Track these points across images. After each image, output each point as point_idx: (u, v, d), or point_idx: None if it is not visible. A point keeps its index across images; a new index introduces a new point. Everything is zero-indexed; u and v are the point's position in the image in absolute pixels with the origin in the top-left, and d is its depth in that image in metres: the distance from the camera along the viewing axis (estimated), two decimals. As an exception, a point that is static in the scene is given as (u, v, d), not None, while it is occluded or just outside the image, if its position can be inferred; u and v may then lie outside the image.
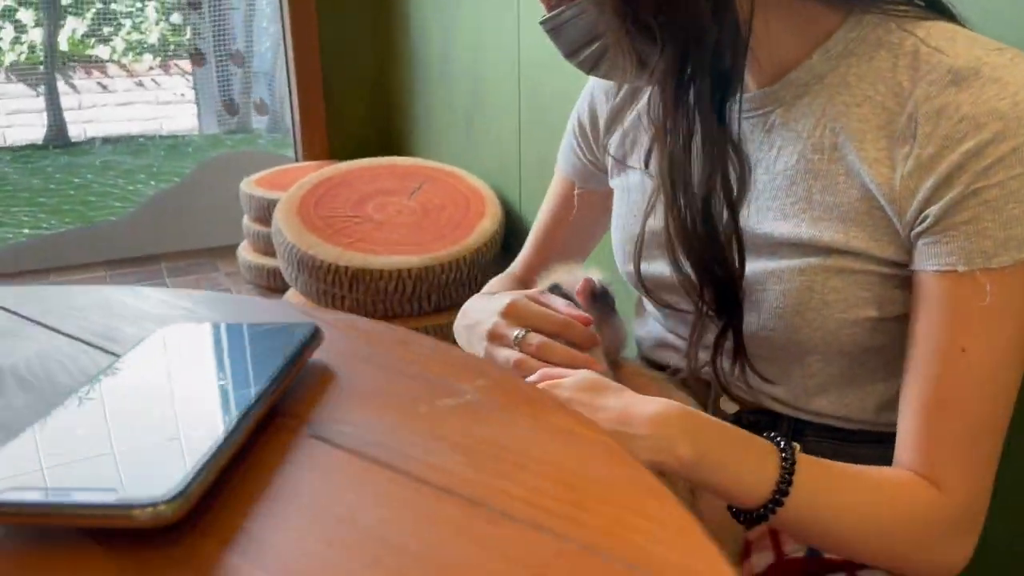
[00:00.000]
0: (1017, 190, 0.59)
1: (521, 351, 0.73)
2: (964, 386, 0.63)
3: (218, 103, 4.90)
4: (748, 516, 0.64)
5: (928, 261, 0.63)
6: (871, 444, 0.76)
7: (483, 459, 0.39)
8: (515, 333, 0.74)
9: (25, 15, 5.40)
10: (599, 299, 0.79)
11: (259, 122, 5.10)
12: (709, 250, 0.69)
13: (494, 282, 1.01)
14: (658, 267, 0.78)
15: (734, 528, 0.70)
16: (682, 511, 0.36)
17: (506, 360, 0.73)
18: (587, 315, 0.76)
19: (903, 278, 0.67)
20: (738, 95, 0.66)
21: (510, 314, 0.75)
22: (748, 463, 0.63)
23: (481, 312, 0.79)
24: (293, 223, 1.73)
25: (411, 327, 0.87)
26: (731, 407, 0.80)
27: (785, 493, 0.62)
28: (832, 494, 0.64)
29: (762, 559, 0.75)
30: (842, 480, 0.65)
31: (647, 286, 0.80)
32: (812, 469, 0.64)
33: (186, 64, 5.73)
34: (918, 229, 0.64)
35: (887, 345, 0.71)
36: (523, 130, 1.75)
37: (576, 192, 0.93)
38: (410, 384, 0.48)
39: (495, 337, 0.75)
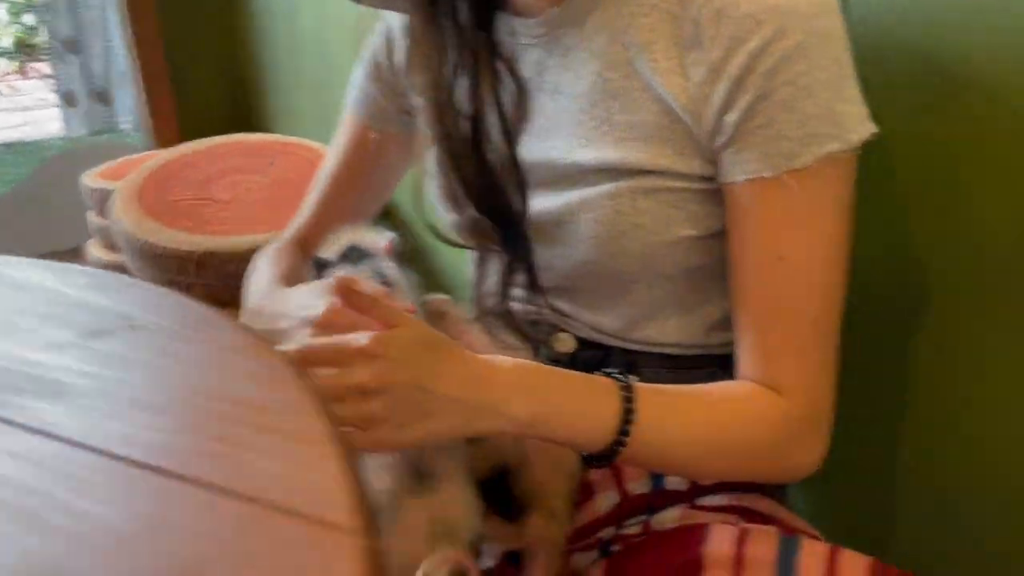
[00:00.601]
0: (808, 86, 0.58)
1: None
2: (788, 293, 0.62)
3: (83, 99, 4.58)
4: (596, 458, 0.61)
5: (734, 171, 0.62)
6: (707, 368, 0.74)
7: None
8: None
9: None
10: (400, 261, 0.72)
11: (126, 122, 4.84)
12: (486, 183, 0.65)
13: (271, 253, 0.86)
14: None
15: (568, 467, 0.67)
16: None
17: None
18: (411, 304, 0.66)
19: (714, 192, 0.65)
20: (507, 13, 0.62)
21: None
22: (586, 408, 0.60)
23: (283, 318, 0.65)
24: (132, 211, 1.61)
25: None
26: (566, 345, 0.76)
27: (627, 433, 0.60)
28: (676, 418, 0.62)
29: (606, 500, 0.72)
30: (684, 402, 0.63)
31: (474, 232, 0.75)
32: (653, 398, 0.62)
33: (44, 66, 5.40)
34: (719, 140, 0.62)
35: (709, 264, 0.69)
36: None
37: (373, 137, 0.84)
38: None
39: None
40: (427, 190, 0.79)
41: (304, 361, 0.56)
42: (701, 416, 0.63)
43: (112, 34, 4.01)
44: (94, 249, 2.20)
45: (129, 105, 4.21)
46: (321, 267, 0.70)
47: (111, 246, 2.12)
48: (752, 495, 0.71)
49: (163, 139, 2.34)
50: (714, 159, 0.63)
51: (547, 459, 0.64)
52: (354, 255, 0.71)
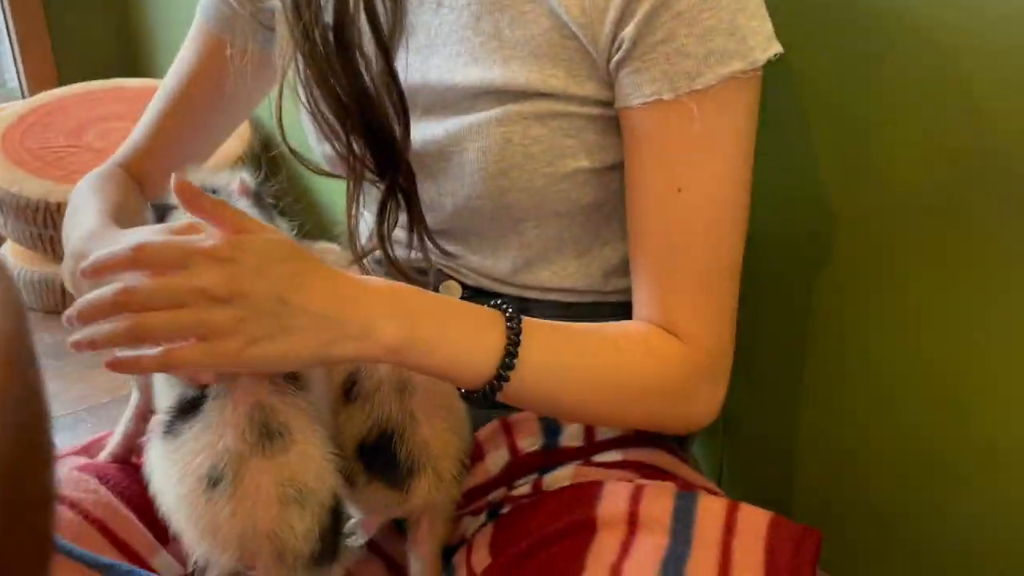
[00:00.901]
0: None
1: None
2: (686, 228, 0.58)
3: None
4: (477, 395, 0.55)
5: (632, 94, 0.57)
6: (604, 317, 0.68)
7: None
8: None
9: None
10: (262, 203, 0.63)
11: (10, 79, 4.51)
12: (360, 105, 0.59)
13: (96, 181, 0.71)
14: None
15: (459, 426, 0.60)
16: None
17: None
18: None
19: (610, 119, 0.60)
20: None
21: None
22: (466, 337, 0.54)
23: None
24: (-7, 159, 1.47)
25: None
26: (453, 293, 0.70)
27: (510, 367, 0.54)
28: (565, 355, 0.57)
29: (497, 459, 0.67)
30: (575, 339, 0.58)
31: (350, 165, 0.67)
32: (541, 332, 0.56)
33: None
34: (616, 58, 0.57)
35: (604, 202, 0.64)
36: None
37: (227, 53, 0.70)
38: None
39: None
40: (297, 116, 0.70)
41: (136, 262, 0.48)
42: (592, 357, 0.58)
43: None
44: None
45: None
46: (162, 213, 0.61)
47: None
48: (649, 449, 0.66)
49: (39, 86, 2.16)
50: (611, 82, 0.58)
51: (435, 418, 0.58)
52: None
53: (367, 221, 0.68)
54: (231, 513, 0.48)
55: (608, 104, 0.59)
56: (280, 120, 0.63)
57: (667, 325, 0.59)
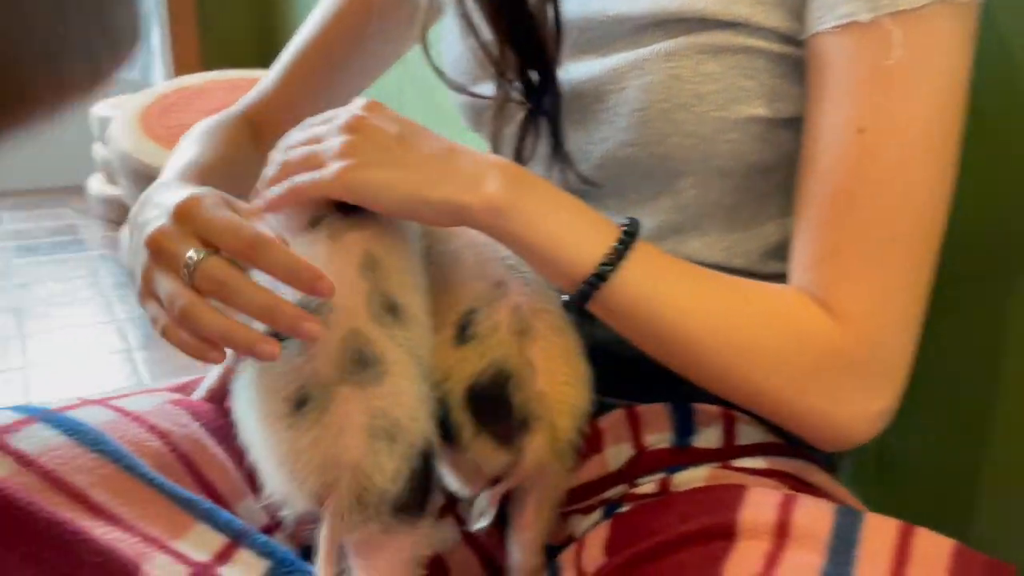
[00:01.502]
0: None
1: (194, 286, 0.46)
2: (861, 179, 0.49)
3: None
4: (568, 292, 0.50)
5: (823, 17, 0.49)
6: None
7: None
8: (188, 254, 0.46)
9: None
10: None
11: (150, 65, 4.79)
12: (517, 33, 0.55)
13: (209, 127, 0.69)
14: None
15: (581, 379, 0.53)
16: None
17: (169, 299, 0.46)
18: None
19: (794, 62, 0.53)
20: None
21: (183, 218, 0.47)
22: (575, 222, 0.50)
23: (156, 207, 0.51)
24: (131, 130, 1.51)
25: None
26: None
27: (614, 265, 0.48)
28: (680, 283, 0.50)
29: (618, 454, 0.59)
30: (693, 272, 0.51)
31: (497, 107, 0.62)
32: (656, 251, 0.51)
33: None
34: None
35: (775, 166, 0.57)
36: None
37: None
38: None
39: (160, 253, 0.47)
40: (446, 60, 0.66)
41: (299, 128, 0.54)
42: (707, 292, 0.51)
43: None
44: (95, 183, 2.11)
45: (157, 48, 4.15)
46: None
47: (114, 179, 2.03)
48: (804, 463, 0.57)
49: (183, 73, 2.25)
50: (800, 10, 0.51)
51: (555, 369, 0.51)
52: None
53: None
54: (313, 440, 0.44)
55: (793, 41, 0.52)
56: (424, 36, 0.60)
57: (821, 293, 0.50)
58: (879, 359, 0.50)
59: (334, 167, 0.49)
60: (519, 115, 0.59)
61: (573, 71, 0.58)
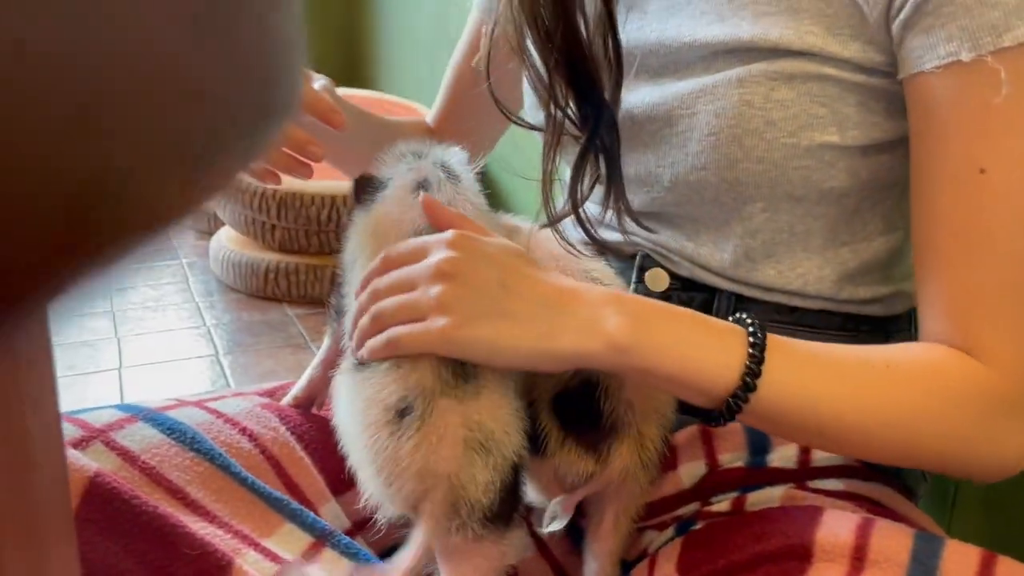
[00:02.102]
0: None
1: None
2: (991, 221, 0.48)
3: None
4: (713, 415, 0.49)
5: (923, 57, 0.49)
6: (832, 329, 0.60)
7: None
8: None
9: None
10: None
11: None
12: (567, 40, 0.55)
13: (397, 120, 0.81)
14: None
15: (663, 395, 0.54)
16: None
17: None
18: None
19: (872, 91, 0.53)
20: None
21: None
22: (701, 342, 0.48)
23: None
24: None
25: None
26: (659, 283, 0.64)
27: (757, 375, 0.47)
28: (823, 374, 0.49)
29: (692, 471, 0.60)
30: (834, 355, 0.50)
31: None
32: (792, 346, 0.49)
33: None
34: (902, 16, 0.49)
35: (849, 192, 0.56)
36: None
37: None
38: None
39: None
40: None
41: (386, 263, 0.51)
42: (863, 370, 0.49)
43: None
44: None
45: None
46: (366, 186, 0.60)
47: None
48: (876, 484, 0.57)
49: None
50: (887, 45, 0.51)
51: (645, 404, 0.52)
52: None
53: (561, 186, 0.64)
54: (414, 447, 0.45)
55: (874, 71, 0.52)
56: (488, 68, 0.61)
57: (962, 342, 0.49)
58: None
59: (438, 323, 0.47)
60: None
61: (646, 94, 0.59)
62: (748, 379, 0.47)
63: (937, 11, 0.48)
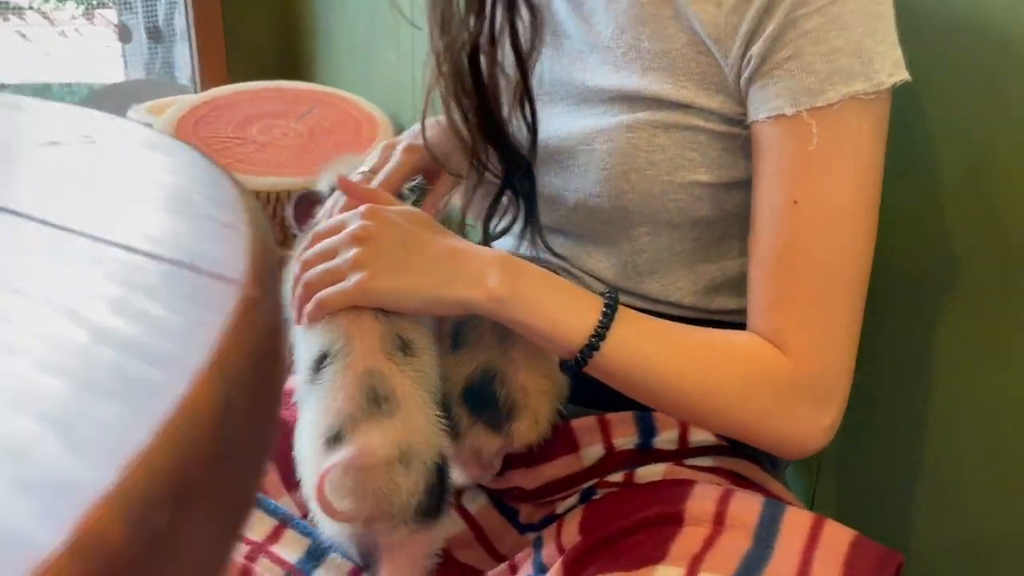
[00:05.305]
0: (837, 16, 0.56)
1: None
2: (800, 242, 0.59)
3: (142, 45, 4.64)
4: (568, 361, 0.61)
5: (758, 109, 0.60)
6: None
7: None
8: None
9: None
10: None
11: (183, 76, 4.89)
12: (483, 101, 0.65)
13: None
14: None
15: (553, 373, 0.65)
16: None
17: None
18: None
19: (733, 138, 0.64)
20: None
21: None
22: (565, 305, 0.60)
23: None
24: (168, 142, 1.63)
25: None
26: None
27: (602, 337, 0.58)
28: (657, 343, 0.60)
29: (591, 453, 0.71)
30: (670, 330, 0.62)
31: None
32: (635, 316, 0.61)
33: (110, 13, 5.47)
34: (746, 74, 0.60)
35: (717, 220, 0.67)
36: (421, 56, 1.66)
37: None
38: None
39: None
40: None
41: (316, 237, 0.62)
42: (685, 350, 0.60)
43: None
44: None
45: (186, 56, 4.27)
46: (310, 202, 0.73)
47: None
48: (744, 461, 0.69)
49: (212, 83, 2.35)
50: (741, 98, 0.61)
51: (532, 365, 0.63)
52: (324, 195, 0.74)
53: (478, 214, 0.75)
54: (343, 470, 0.52)
55: (733, 120, 0.63)
56: (424, 120, 0.71)
57: (773, 337, 0.60)
58: (825, 384, 0.61)
59: (353, 279, 0.58)
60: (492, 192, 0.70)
61: (562, 124, 0.69)
62: (594, 340, 0.58)
63: (770, 73, 0.58)
